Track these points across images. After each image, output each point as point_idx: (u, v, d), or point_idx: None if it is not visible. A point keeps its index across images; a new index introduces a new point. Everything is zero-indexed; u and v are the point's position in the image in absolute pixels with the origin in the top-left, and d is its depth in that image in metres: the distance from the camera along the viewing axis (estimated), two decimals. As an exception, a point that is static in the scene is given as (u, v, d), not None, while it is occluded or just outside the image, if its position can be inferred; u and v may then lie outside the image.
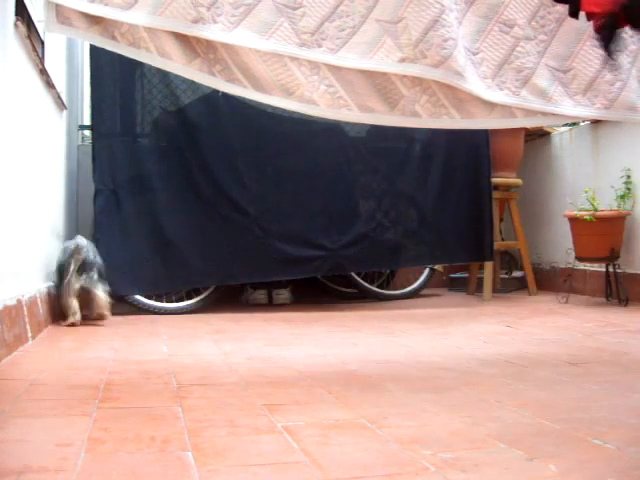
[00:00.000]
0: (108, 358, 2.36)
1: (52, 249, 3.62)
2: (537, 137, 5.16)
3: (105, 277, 3.40)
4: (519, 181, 4.76)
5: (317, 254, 4.11)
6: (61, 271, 3.30)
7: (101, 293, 3.30)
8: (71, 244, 3.35)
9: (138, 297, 3.84)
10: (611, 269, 4.08)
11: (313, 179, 4.18)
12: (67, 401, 1.72)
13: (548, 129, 5.02)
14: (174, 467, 1.21)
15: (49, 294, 3.22)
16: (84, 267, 3.29)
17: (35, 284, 2.98)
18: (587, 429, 1.44)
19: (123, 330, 3.14)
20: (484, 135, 4.44)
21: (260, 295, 4.29)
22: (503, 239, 4.98)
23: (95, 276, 3.32)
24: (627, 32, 2.24)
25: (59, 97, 3.70)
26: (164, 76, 3.93)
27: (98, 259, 3.40)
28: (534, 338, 2.83)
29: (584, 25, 2.18)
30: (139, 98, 4.04)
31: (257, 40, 1.98)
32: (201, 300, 3.99)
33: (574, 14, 2.09)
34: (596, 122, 4.49)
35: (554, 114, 2.24)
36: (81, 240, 3.37)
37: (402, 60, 2.06)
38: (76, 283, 3.25)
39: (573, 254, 4.18)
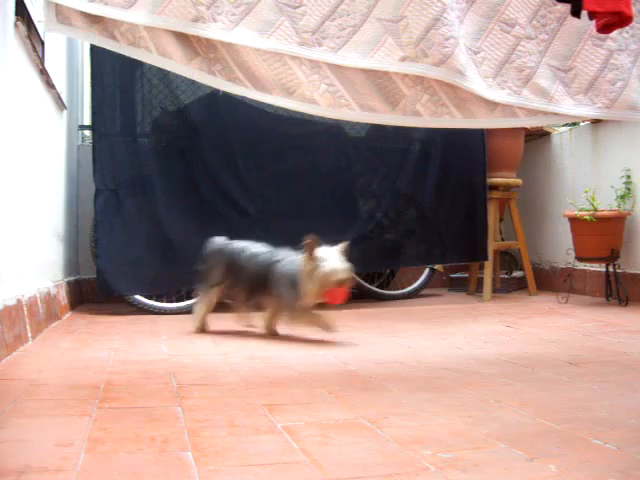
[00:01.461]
0: (108, 358, 2.35)
1: (52, 249, 3.62)
2: (537, 137, 5.15)
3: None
4: (519, 181, 4.76)
5: (317, 254, 4.10)
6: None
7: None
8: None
9: (138, 297, 3.84)
10: (611, 269, 4.08)
11: (313, 179, 4.18)
12: (67, 401, 1.71)
13: (548, 129, 5.02)
14: (174, 467, 1.21)
15: (49, 294, 3.22)
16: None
17: (35, 284, 2.98)
18: (587, 429, 1.44)
19: (123, 330, 3.14)
20: (480, 136, 4.45)
21: (260, 295, 4.29)
22: (503, 239, 4.98)
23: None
24: (628, 32, 2.24)
25: (59, 97, 3.70)
26: (164, 76, 3.93)
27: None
28: (534, 338, 2.83)
29: (585, 24, 2.18)
30: (139, 98, 4.04)
31: (257, 39, 1.97)
32: (201, 300, 3.98)
33: (576, 13, 2.09)
34: (596, 122, 4.49)
35: (555, 113, 2.24)
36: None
37: (403, 59, 2.06)
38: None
39: (573, 254, 4.17)
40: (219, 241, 3.07)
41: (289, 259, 2.85)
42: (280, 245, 4.11)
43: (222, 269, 2.98)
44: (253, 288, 2.92)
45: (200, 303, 3.05)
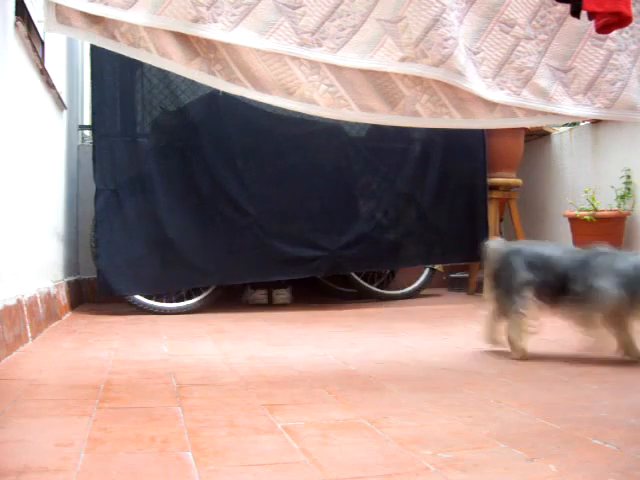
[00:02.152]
0: (108, 358, 2.36)
1: (52, 249, 3.62)
2: (537, 137, 5.16)
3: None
4: (519, 181, 4.76)
5: (317, 254, 4.11)
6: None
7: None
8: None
9: (138, 297, 3.84)
10: (611, 269, 4.07)
11: (313, 179, 4.19)
12: (67, 401, 1.71)
13: (548, 129, 5.02)
14: (174, 467, 1.21)
15: (49, 294, 3.22)
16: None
17: (35, 284, 2.98)
18: (587, 429, 1.44)
19: (123, 330, 3.14)
20: (480, 136, 4.46)
21: (260, 295, 4.30)
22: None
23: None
24: (627, 32, 2.24)
25: (59, 97, 3.70)
26: (164, 76, 3.94)
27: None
28: (534, 338, 2.82)
29: (585, 24, 2.18)
30: (139, 98, 4.05)
31: (257, 39, 1.97)
32: (201, 300, 3.99)
33: (575, 13, 2.09)
34: (596, 122, 4.49)
35: (555, 114, 2.24)
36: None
37: (403, 59, 2.06)
38: None
39: (573, 254, 4.17)
40: (499, 244, 2.77)
41: (621, 255, 2.39)
42: (282, 245, 4.14)
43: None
44: (557, 291, 2.51)
45: (489, 311, 2.59)
